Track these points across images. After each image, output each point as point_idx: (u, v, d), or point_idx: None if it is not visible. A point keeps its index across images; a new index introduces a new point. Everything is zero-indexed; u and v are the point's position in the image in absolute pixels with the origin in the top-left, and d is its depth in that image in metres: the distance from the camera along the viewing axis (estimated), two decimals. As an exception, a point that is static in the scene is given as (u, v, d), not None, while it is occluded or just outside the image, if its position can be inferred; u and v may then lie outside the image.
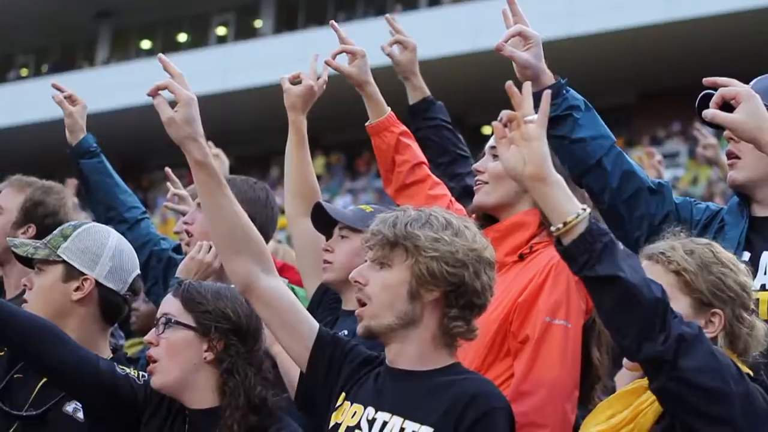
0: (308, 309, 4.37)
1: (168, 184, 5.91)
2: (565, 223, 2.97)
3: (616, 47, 30.44)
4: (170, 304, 3.85)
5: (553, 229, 3.00)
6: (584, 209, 2.97)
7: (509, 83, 3.13)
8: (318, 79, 4.81)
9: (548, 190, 3.00)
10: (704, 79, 3.64)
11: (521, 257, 4.22)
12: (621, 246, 3.00)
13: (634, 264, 3.00)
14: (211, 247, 4.73)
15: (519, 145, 3.04)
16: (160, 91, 3.50)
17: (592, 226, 2.96)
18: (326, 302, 4.71)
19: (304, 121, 4.82)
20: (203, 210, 3.71)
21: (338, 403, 3.50)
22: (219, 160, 7.19)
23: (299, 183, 4.81)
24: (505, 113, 3.11)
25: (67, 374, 3.85)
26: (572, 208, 2.98)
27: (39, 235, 5.12)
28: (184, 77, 3.51)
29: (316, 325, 3.59)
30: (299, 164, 4.80)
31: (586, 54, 28.94)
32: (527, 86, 3.12)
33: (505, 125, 3.10)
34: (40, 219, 5.27)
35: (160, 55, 3.62)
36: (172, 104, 3.48)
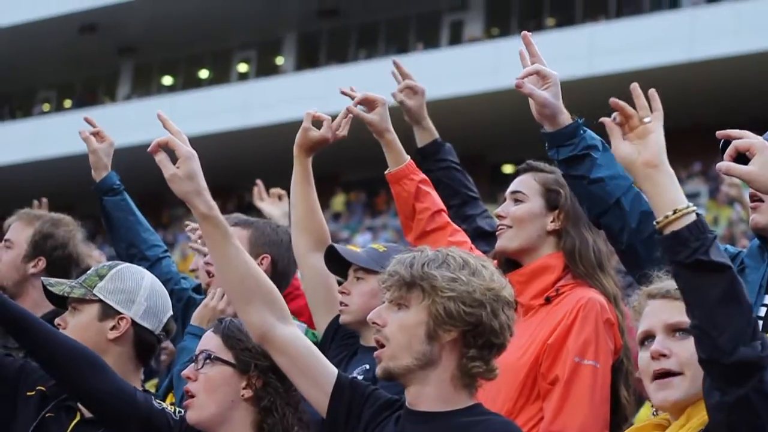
0: (320, 344, 4.39)
1: (192, 225, 5.89)
2: (675, 211, 2.99)
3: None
4: (210, 340, 3.87)
5: (660, 217, 3.02)
6: (694, 205, 3.01)
7: (634, 84, 3.23)
8: (338, 130, 4.69)
9: (661, 177, 3.06)
10: (717, 133, 3.65)
11: (548, 300, 4.26)
12: None
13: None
14: (224, 294, 4.73)
15: (634, 142, 3.13)
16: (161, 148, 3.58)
17: (702, 218, 2.99)
18: (339, 338, 4.70)
19: (309, 159, 4.76)
20: (212, 262, 3.71)
21: (360, 448, 3.48)
22: (284, 201, 7.10)
23: (305, 219, 4.74)
24: (616, 102, 3.22)
25: (105, 402, 3.90)
26: (683, 199, 3.02)
27: (49, 268, 5.19)
28: (182, 133, 3.58)
29: (335, 370, 3.56)
30: (305, 200, 4.74)
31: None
32: (653, 92, 3.21)
33: (620, 124, 3.20)
34: (50, 251, 5.30)
35: (159, 112, 3.70)
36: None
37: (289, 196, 5.84)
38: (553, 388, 4.06)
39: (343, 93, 4.78)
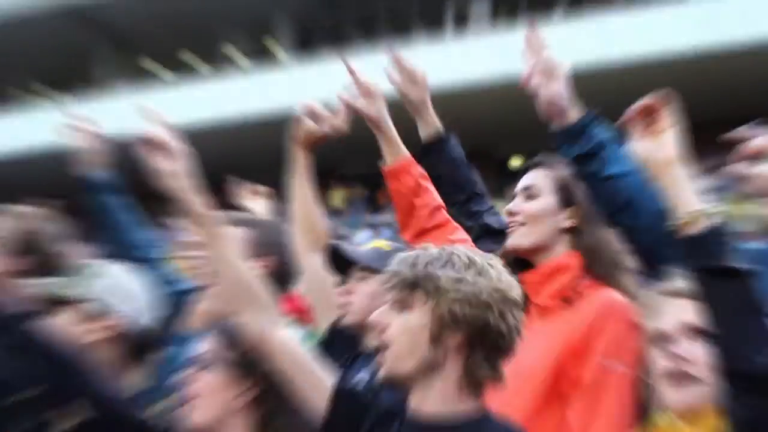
0: (321, 346, 4.36)
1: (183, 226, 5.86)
2: (693, 213, 2.98)
3: (649, 80, 30.51)
4: (208, 344, 3.82)
5: (677, 219, 2.97)
6: (715, 205, 2.97)
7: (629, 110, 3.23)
8: (337, 124, 4.64)
9: (679, 176, 3.05)
10: (725, 136, 3.69)
11: (566, 301, 4.15)
12: None
13: None
14: (214, 297, 4.71)
15: (653, 140, 3.14)
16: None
17: (721, 220, 2.95)
18: (340, 339, 4.59)
19: (308, 155, 4.72)
20: (205, 263, 3.67)
21: (360, 457, 3.37)
22: (266, 198, 7.08)
23: (304, 217, 4.72)
24: (638, 106, 3.22)
25: (100, 404, 3.82)
26: (701, 201, 3.00)
27: (39, 265, 5.04)
28: (173, 127, 3.51)
29: (332, 377, 3.47)
30: (303, 197, 4.71)
31: (617, 82, 28.94)
32: (647, 101, 3.21)
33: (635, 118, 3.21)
34: (38, 248, 5.24)
35: (148, 105, 3.60)
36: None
37: (276, 192, 5.80)
38: (579, 392, 3.97)
39: (345, 101, 4.65)
